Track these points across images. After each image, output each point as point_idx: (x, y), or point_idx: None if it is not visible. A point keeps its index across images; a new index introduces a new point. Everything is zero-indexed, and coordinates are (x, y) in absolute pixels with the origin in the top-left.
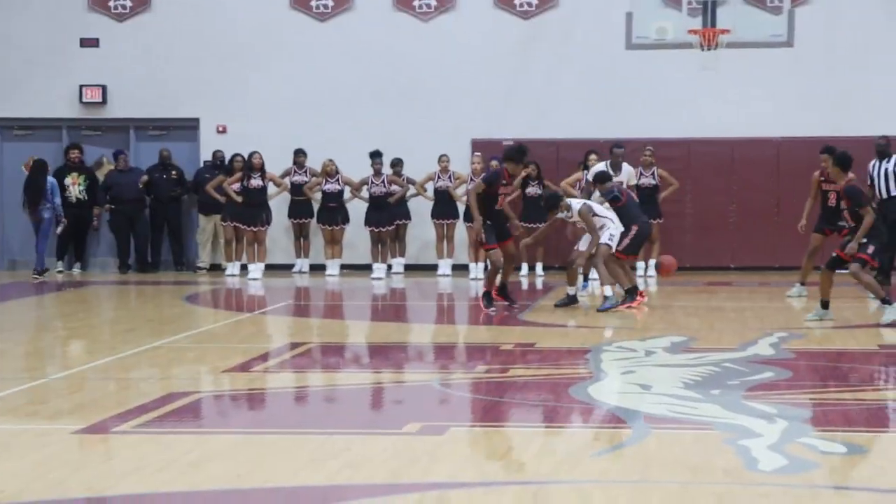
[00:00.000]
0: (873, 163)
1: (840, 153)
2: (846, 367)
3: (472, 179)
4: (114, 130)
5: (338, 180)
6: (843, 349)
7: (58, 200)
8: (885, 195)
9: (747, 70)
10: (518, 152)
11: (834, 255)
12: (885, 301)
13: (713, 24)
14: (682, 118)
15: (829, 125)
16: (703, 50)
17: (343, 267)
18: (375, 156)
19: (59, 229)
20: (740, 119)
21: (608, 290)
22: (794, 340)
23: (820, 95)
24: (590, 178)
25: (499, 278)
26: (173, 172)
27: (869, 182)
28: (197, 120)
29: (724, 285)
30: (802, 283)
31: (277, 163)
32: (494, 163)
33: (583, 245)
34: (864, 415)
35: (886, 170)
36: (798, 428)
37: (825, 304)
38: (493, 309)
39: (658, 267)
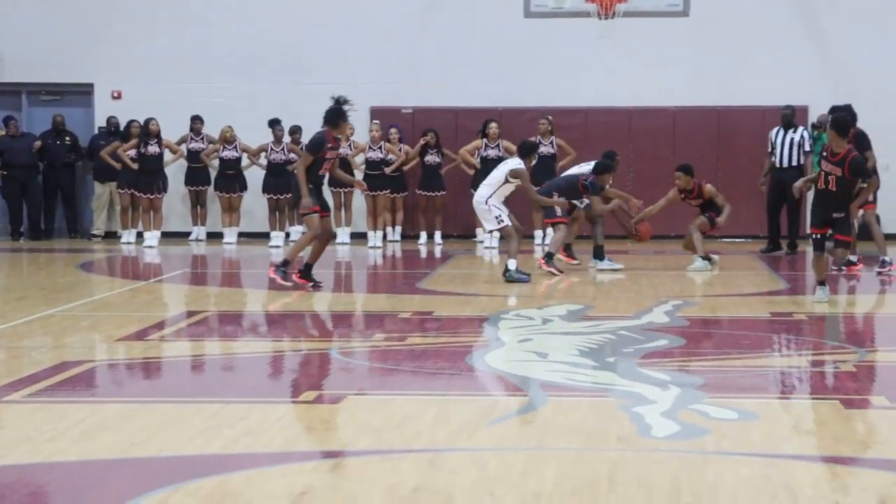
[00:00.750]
0: (776, 130)
1: (836, 118)
2: (739, 334)
3: (370, 147)
4: (5, 95)
5: (235, 147)
6: (735, 317)
7: None
8: (785, 164)
9: (644, 39)
10: (334, 114)
11: (816, 236)
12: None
13: None
14: (580, 87)
15: (724, 95)
16: (600, 19)
17: (240, 235)
18: (275, 123)
19: None
20: (637, 88)
21: (513, 263)
22: (688, 308)
23: (715, 65)
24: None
25: (308, 256)
26: (67, 138)
27: (769, 149)
28: (91, 85)
29: (620, 253)
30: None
31: (174, 129)
32: (394, 130)
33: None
34: (755, 381)
35: (792, 139)
36: (691, 395)
37: (823, 283)
38: (289, 282)
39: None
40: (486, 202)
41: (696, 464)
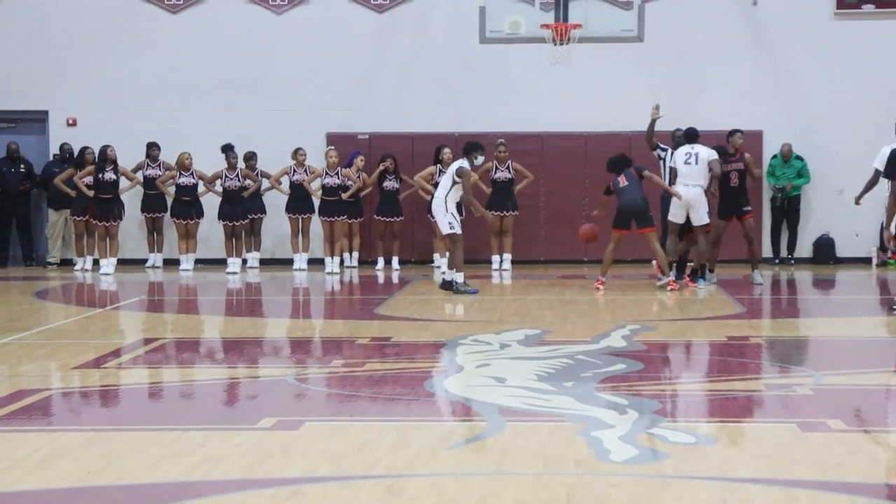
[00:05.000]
0: (668, 152)
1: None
2: (696, 358)
3: (326, 173)
4: None
5: (192, 174)
6: (693, 340)
7: None
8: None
9: (599, 65)
10: None
11: None
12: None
13: (565, 19)
14: (536, 112)
15: (677, 119)
16: (555, 44)
17: (197, 261)
18: (229, 149)
19: None
20: (592, 113)
21: (460, 276)
22: (645, 332)
23: (669, 90)
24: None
25: None
26: (22, 166)
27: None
28: (46, 112)
29: (577, 278)
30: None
31: (129, 156)
32: (361, 158)
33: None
34: (713, 405)
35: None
36: (649, 419)
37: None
38: None
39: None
40: (445, 200)
41: (654, 487)
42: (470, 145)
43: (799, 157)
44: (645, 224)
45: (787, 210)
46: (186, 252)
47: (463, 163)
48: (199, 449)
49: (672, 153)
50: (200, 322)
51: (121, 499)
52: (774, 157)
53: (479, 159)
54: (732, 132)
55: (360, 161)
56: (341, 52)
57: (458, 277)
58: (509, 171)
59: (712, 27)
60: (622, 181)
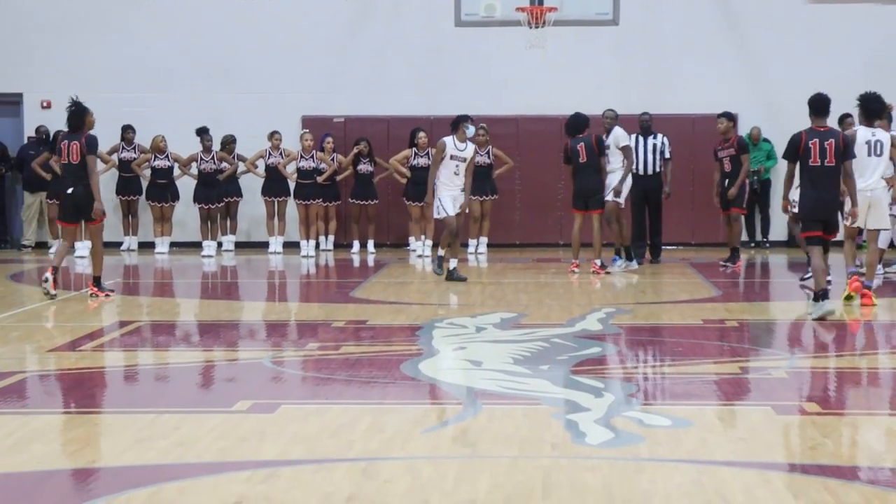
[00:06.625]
0: (634, 136)
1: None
2: (672, 341)
3: (302, 156)
4: None
5: (167, 157)
6: (668, 324)
7: None
8: (644, 171)
9: (574, 48)
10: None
11: None
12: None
13: (540, 2)
14: (511, 95)
15: (653, 103)
16: (530, 28)
17: (173, 244)
18: (204, 132)
19: None
20: (568, 96)
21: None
22: (621, 315)
23: (642, 74)
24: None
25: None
26: None
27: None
28: (20, 95)
29: (553, 262)
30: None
31: (105, 139)
32: (329, 139)
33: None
34: (689, 388)
35: (654, 145)
36: (624, 402)
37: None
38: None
39: None
40: (435, 185)
41: (629, 471)
42: (457, 119)
43: (766, 140)
44: (595, 206)
45: (761, 193)
46: (162, 235)
47: (445, 137)
48: (173, 432)
49: (637, 138)
50: (176, 305)
51: (95, 482)
52: None
53: (471, 129)
54: (719, 116)
55: (328, 143)
56: (316, 34)
57: (440, 252)
58: (488, 156)
59: (686, 11)
60: (581, 154)
